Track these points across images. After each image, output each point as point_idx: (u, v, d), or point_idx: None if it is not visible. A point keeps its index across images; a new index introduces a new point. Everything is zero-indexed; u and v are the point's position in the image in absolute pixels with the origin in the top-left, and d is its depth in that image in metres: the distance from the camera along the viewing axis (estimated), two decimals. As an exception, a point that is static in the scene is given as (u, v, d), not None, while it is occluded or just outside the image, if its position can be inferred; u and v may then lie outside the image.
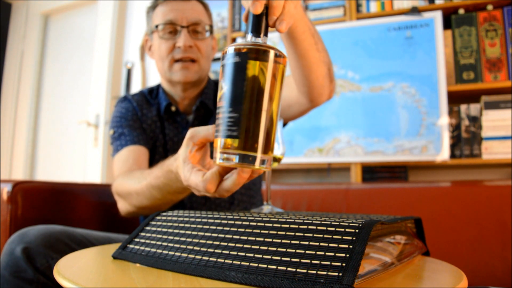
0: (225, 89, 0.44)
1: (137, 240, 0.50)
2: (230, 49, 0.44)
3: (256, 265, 0.36)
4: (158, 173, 0.66)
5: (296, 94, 0.81)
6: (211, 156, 0.58)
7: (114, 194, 0.83)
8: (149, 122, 0.95)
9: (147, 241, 0.48)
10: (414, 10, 1.47)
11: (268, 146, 0.44)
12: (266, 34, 0.46)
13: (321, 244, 0.36)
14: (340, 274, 0.32)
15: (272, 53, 0.43)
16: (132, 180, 0.75)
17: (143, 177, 0.72)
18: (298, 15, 0.60)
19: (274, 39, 1.67)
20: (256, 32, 0.46)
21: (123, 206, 0.81)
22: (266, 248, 0.38)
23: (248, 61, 0.43)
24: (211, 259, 0.40)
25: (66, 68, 2.47)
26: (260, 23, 0.46)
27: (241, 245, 0.40)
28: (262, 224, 0.42)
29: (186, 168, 0.53)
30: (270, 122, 0.43)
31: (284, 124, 0.93)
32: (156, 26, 0.90)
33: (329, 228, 0.37)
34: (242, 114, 0.42)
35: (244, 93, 0.42)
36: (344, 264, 0.33)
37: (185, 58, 0.90)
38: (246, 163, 0.43)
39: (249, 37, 0.46)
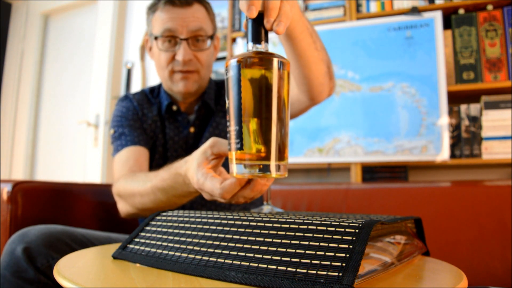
0: (233, 101, 0.44)
1: (137, 240, 0.50)
2: (233, 61, 0.44)
3: (256, 265, 0.36)
4: (165, 175, 0.66)
5: (296, 93, 0.81)
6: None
7: (115, 195, 0.83)
8: (150, 122, 0.94)
9: (147, 241, 0.48)
10: (414, 10, 1.47)
11: (282, 153, 0.44)
12: (266, 41, 0.46)
13: (321, 244, 0.36)
14: (340, 274, 0.32)
15: (275, 60, 0.43)
16: (136, 182, 0.75)
17: (148, 179, 0.72)
18: (295, 16, 0.60)
19: (273, 39, 1.67)
20: (256, 40, 0.46)
21: (123, 208, 0.81)
22: (266, 248, 0.38)
23: (252, 70, 0.43)
24: (211, 259, 0.40)
25: (66, 68, 2.47)
26: (260, 30, 0.46)
27: (241, 245, 0.40)
28: (262, 224, 0.42)
29: (200, 172, 0.53)
30: (282, 128, 0.44)
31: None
32: (155, 38, 0.88)
33: (329, 228, 0.37)
34: (253, 125, 0.42)
35: (253, 103, 0.42)
36: (344, 264, 0.33)
37: (185, 71, 0.89)
38: (263, 172, 0.43)
39: (250, 46, 0.46)
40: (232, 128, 0.44)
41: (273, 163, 0.43)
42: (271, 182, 0.51)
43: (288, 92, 0.45)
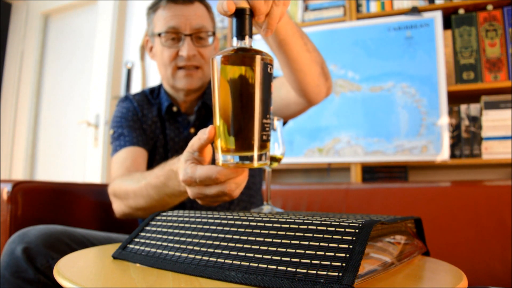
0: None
1: (137, 240, 0.50)
2: (216, 58, 0.45)
3: (256, 265, 0.36)
4: (159, 172, 0.66)
5: (294, 95, 0.81)
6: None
7: (110, 195, 0.83)
8: (150, 123, 0.95)
9: (147, 241, 0.48)
10: (414, 10, 1.47)
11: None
12: (250, 36, 0.47)
13: (321, 244, 0.36)
14: (340, 274, 0.32)
15: (257, 55, 0.45)
16: (131, 181, 0.75)
17: (142, 177, 0.72)
18: (285, 19, 0.60)
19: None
20: (240, 35, 0.47)
21: (118, 207, 0.81)
22: (266, 248, 0.38)
23: (233, 66, 0.44)
24: (211, 259, 0.40)
25: (66, 68, 2.47)
26: (243, 25, 0.47)
27: (241, 245, 0.40)
28: (262, 224, 0.42)
29: (188, 166, 0.53)
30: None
31: (284, 123, 0.93)
32: (159, 34, 0.88)
33: (329, 228, 0.37)
34: (234, 117, 0.44)
35: (233, 96, 0.44)
36: (344, 264, 0.33)
37: (189, 66, 0.89)
38: (245, 162, 0.45)
39: (235, 42, 0.47)
40: (216, 119, 0.46)
41: (255, 153, 0.45)
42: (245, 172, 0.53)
43: (270, 85, 0.47)
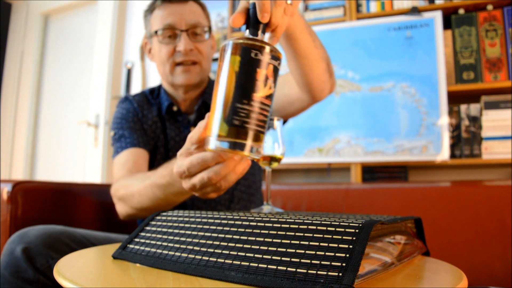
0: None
1: (137, 240, 0.50)
2: (227, 43, 0.46)
3: (256, 265, 0.36)
4: (163, 172, 0.67)
5: (297, 91, 0.82)
6: None
7: (113, 197, 0.83)
8: (150, 123, 0.95)
9: (147, 241, 0.48)
10: (414, 10, 1.47)
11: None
12: (263, 31, 0.48)
13: (321, 244, 0.36)
14: (340, 274, 0.32)
15: (265, 45, 0.45)
16: (135, 181, 0.75)
17: (146, 177, 0.72)
18: (294, 15, 0.61)
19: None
20: (253, 28, 0.47)
21: (122, 209, 0.81)
22: (266, 248, 0.38)
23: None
24: (211, 259, 0.40)
25: (66, 68, 2.47)
26: (255, 18, 0.48)
27: (241, 245, 0.40)
28: (262, 224, 0.42)
29: (180, 159, 0.53)
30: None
31: (284, 121, 0.93)
32: (156, 32, 0.90)
33: (329, 228, 0.37)
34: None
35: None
36: (344, 264, 0.33)
37: (187, 62, 0.90)
38: (237, 149, 0.44)
39: (247, 33, 0.48)
40: (213, 103, 0.46)
41: (248, 142, 0.45)
42: (247, 164, 0.52)
43: (275, 79, 0.46)
